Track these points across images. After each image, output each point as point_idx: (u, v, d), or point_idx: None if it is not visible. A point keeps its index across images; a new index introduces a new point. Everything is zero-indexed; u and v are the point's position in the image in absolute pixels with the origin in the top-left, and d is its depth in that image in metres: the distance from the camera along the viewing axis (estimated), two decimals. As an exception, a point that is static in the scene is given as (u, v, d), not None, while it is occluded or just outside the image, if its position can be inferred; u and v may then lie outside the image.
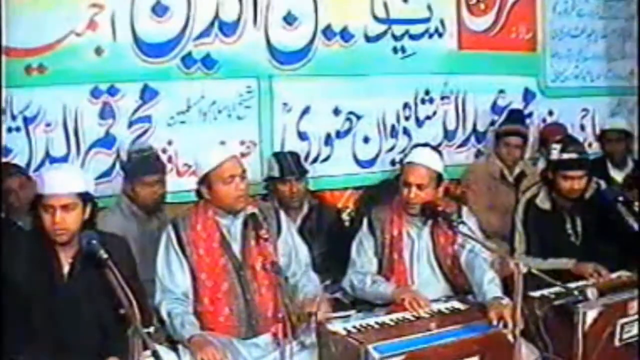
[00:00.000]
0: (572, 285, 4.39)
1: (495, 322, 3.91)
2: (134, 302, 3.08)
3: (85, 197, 3.60)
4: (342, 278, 4.66)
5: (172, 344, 3.99)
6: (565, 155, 4.82)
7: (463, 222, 4.26)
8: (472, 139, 6.33)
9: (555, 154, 4.87)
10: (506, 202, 5.68)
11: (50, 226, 3.52)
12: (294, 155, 5.24)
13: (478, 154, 6.33)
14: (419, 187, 4.33)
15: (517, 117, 6.11)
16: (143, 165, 4.66)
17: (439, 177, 4.43)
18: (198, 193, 4.15)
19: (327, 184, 5.69)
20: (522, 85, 6.49)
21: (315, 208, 5.20)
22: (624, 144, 6.09)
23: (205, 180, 4.06)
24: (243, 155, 5.26)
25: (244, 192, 4.04)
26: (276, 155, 5.25)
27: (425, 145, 4.90)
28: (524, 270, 3.61)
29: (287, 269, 4.21)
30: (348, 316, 4.43)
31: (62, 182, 3.55)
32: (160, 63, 5.09)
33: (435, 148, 4.95)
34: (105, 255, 3.32)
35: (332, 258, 5.07)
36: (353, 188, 5.84)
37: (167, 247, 4.11)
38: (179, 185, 5.10)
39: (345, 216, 5.69)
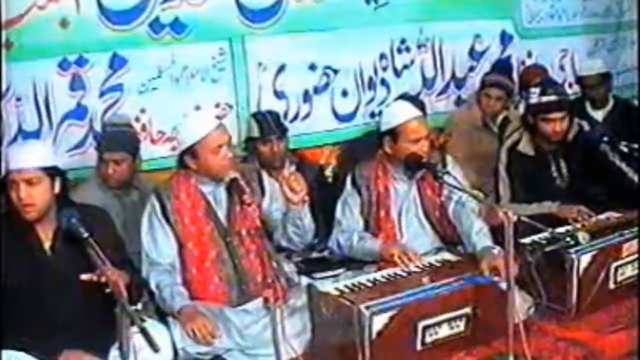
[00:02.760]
0: (562, 229, 4.39)
1: (487, 273, 3.94)
2: (120, 280, 3.01)
3: (51, 171, 3.53)
4: (327, 237, 4.66)
5: (162, 316, 3.97)
6: (545, 98, 4.81)
7: (448, 173, 4.22)
8: (452, 86, 6.27)
9: (534, 98, 4.86)
10: (489, 150, 5.62)
11: (16, 202, 3.45)
12: (274, 114, 5.16)
13: (458, 101, 6.29)
14: (419, 140, 4.29)
15: (502, 67, 6.05)
16: (110, 141, 4.58)
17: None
18: (180, 162, 4.07)
19: (308, 142, 5.62)
20: (498, 28, 6.42)
21: (297, 167, 5.12)
22: (604, 87, 6.03)
23: (190, 150, 3.99)
24: (218, 117, 5.10)
25: (230, 160, 4.01)
26: (255, 115, 5.17)
27: (418, 97, 4.75)
28: (514, 218, 3.57)
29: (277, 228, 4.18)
30: (337, 275, 4.46)
31: (24, 157, 3.47)
32: (128, 30, 4.97)
33: (415, 98, 4.89)
34: (85, 234, 3.27)
35: (316, 217, 4.89)
36: (334, 144, 5.79)
37: (151, 217, 4.07)
38: (154, 152, 5.06)
39: (328, 173, 5.65)
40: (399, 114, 4.35)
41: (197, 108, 5.17)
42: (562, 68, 6.74)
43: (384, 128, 4.41)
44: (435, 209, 4.45)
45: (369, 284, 3.97)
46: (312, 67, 5.65)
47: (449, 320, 3.80)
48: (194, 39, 5.17)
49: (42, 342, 3.46)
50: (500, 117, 5.83)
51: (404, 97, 5.43)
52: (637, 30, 6.40)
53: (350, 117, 5.85)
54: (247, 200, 3.85)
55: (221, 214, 4.09)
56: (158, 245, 4.03)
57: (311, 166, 5.34)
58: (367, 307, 3.61)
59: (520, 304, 3.93)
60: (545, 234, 4.34)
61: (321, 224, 4.88)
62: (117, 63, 4.97)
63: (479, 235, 4.18)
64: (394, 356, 3.66)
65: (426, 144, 4.27)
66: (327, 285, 4.06)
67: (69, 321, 3.51)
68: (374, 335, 3.58)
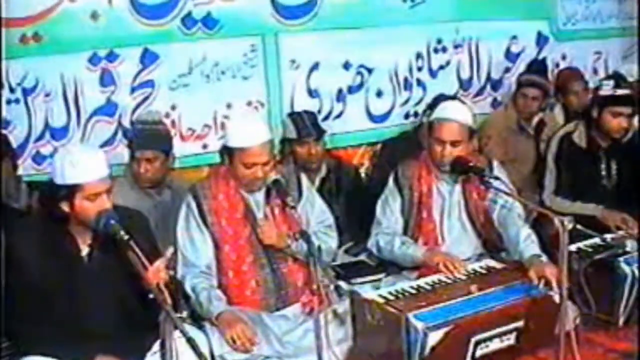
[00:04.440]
0: (609, 236, 4.25)
1: (536, 282, 3.77)
2: (163, 286, 2.84)
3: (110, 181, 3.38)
4: (364, 239, 4.51)
5: (196, 321, 3.80)
6: (619, 91, 4.67)
7: (498, 178, 4.06)
8: (488, 87, 6.10)
9: (607, 90, 4.71)
10: (525, 153, 5.52)
11: (94, 215, 3.24)
12: (311, 115, 4.99)
13: (494, 102, 6.12)
14: (453, 144, 4.12)
15: (538, 67, 5.84)
16: (143, 139, 4.42)
17: (471, 132, 4.22)
18: (221, 155, 3.93)
19: (341, 142, 5.46)
20: (534, 29, 6.23)
21: (334, 168, 4.99)
22: None
23: (227, 150, 3.83)
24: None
25: (262, 178, 3.82)
26: (292, 115, 5.01)
27: (454, 98, 4.69)
28: (569, 226, 3.40)
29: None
30: (377, 280, 4.33)
31: (95, 169, 3.27)
32: (160, 25, 4.83)
33: (462, 101, 4.75)
34: (126, 237, 3.09)
35: (352, 219, 4.90)
36: (367, 144, 5.64)
37: (188, 217, 3.91)
38: (183, 150, 4.90)
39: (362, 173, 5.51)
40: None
41: (229, 106, 5.08)
42: (595, 71, 6.55)
43: None
44: (479, 213, 4.28)
45: (413, 291, 3.80)
46: (346, 65, 5.49)
47: (500, 335, 3.63)
48: (225, 35, 5.03)
49: (75, 348, 3.28)
50: (536, 119, 5.66)
51: (440, 98, 5.24)
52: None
53: (384, 117, 5.69)
54: (291, 203, 3.68)
55: (260, 217, 3.91)
56: (195, 246, 3.87)
57: (348, 167, 5.20)
58: (420, 319, 3.46)
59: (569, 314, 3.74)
60: (591, 241, 4.22)
61: (356, 227, 4.80)
62: (148, 58, 4.85)
63: (527, 243, 4.00)
64: (443, 369, 3.49)
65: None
66: (369, 291, 3.92)
67: (103, 328, 3.34)
68: (427, 351, 3.42)
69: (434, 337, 3.42)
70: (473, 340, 3.53)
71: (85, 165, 3.22)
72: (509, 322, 3.62)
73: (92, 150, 3.36)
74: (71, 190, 3.22)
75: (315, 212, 4.08)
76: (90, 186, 3.22)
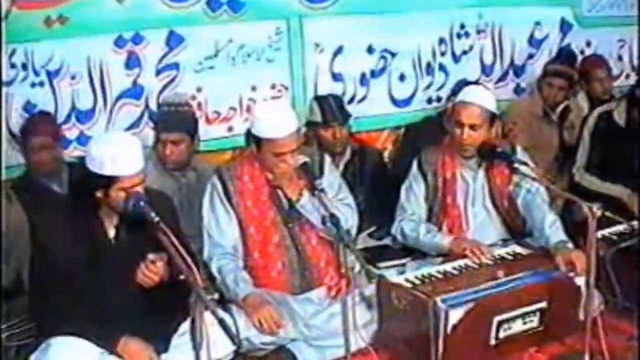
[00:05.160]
0: (636, 223, 4.16)
1: (563, 268, 3.75)
2: (194, 267, 2.82)
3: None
4: (387, 223, 4.49)
5: (221, 303, 3.79)
6: None
7: (526, 163, 4.03)
8: (510, 73, 6.03)
9: None
10: (549, 140, 5.47)
11: (123, 204, 3.26)
12: (337, 98, 4.97)
13: (517, 89, 6.06)
14: (472, 127, 4.08)
15: (565, 56, 5.78)
16: (168, 121, 4.41)
17: (493, 117, 4.17)
18: (247, 142, 3.90)
19: (364, 125, 5.41)
20: (558, 15, 6.14)
21: (358, 152, 4.96)
22: None
23: (255, 138, 3.80)
24: (274, 98, 5.06)
25: (289, 167, 3.80)
26: (318, 99, 4.98)
27: (477, 83, 4.64)
28: (598, 213, 3.36)
29: None
30: (402, 265, 4.29)
31: (134, 162, 3.29)
32: (185, 8, 4.79)
33: (484, 86, 4.71)
34: (157, 218, 3.09)
35: (376, 203, 4.87)
36: (390, 128, 5.60)
37: (213, 198, 3.90)
38: (209, 133, 4.88)
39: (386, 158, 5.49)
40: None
41: (253, 88, 5.05)
42: (620, 58, 6.46)
43: None
44: (503, 199, 4.24)
45: (440, 276, 3.79)
46: (370, 49, 5.44)
47: (523, 315, 3.61)
48: (250, 18, 4.98)
49: (102, 328, 3.30)
50: (560, 107, 5.58)
51: (463, 84, 5.20)
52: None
53: (407, 102, 5.64)
54: (319, 186, 3.66)
55: (284, 199, 3.90)
56: (220, 227, 3.87)
57: (372, 151, 5.17)
58: (444, 301, 3.44)
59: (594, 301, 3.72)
60: (616, 227, 4.18)
61: (380, 211, 4.74)
62: (173, 41, 4.80)
63: (553, 229, 3.98)
64: (467, 350, 3.48)
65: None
66: (396, 276, 3.91)
67: (130, 309, 3.35)
68: (449, 329, 3.40)
69: (456, 315, 3.41)
70: (495, 320, 3.52)
71: (125, 159, 3.24)
72: (530, 303, 3.60)
73: (131, 143, 3.34)
74: (108, 181, 3.24)
75: (335, 190, 4.05)
76: (128, 179, 3.25)
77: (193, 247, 3.73)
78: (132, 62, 4.72)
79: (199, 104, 4.91)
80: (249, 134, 3.86)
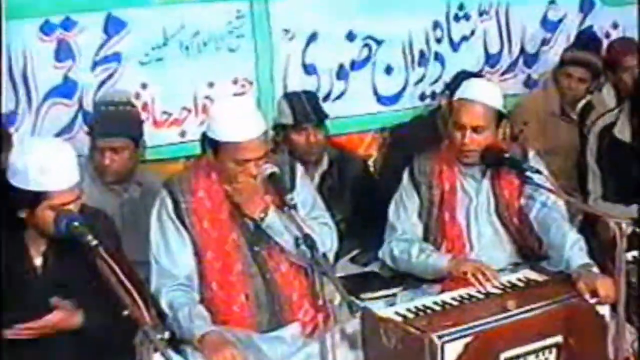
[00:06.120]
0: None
1: (587, 297, 3.76)
2: (140, 300, 2.83)
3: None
4: (374, 246, 4.53)
5: (173, 344, 3.77)
6: None
7: (538, 170, 4.06)
8: (520, 63, 6.09)
9: None
10: (567, 143, 5.50)
11: (52, 226, 3.26)
12: (311, 95, 5.00)
13: (528, 81, 6.12)
14: (475, 129, 4.11)
15: (587, 41, 5.82)
16: (107, 124, 4.41)
17: (499, 116, 4.21)
18: (203, 148, 3.91)
19: (343, 127, 5.45)
20: (576, -9, 6.25)
21: (337, 160, 4.99)
22: None
23: (212, 142, 3.79)
24: (237, 95, 5.06)
25: (253, 179, 3.77)
26: (288, 96, 5.00)
27: (479, 76, 4.67)
28: (628, 230, 3.39)
29: None
30: (392, 295, 4.32)
31: (66, 175, 3.29)
32: (127, -14, 4.83)
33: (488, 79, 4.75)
34: (94, 242, 3.08)
35: (359, 221, 4.91)
36: (375, 131, 5.64)
37: (161, 217, 3.87)
38: (157, 137, 4.91)
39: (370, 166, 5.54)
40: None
41: (211, 84, 5.08)
42: (650, 43, 6.54)
43: None
44: (513, 215, 4.27)
45: (437, 308, 3.79)
46: (350, 36, 5.49)
47: (535, 352, 3.63)
48: (206, -1, 5.01)
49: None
50: (581, 103, 5.65)
51: (462, 75, 5.23)
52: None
53: (394, 98, 5.69)
54: (290, 202, 3.65)
55: (248, 217, 3.89)
56: (171, 252, 3.84)
57: (354, 160, 5.21)
58: (441, 337, 3.45)
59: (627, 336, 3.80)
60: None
61: (365, 231, 4.80)
62: (113, 27, 4.83)
63: (574, 250, 3.99)
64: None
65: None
66: (384, 308, 3.93)
67: (60, 355, 3.36)
68: (445, 368, 3.41)
69: (453, 351, 3.42)
70: (502, 357, 3.54)
71: (55, 171, 3.23)
72: (545, 336, 3.62)
73: (63, 151, 3.33)
74: (35, 198, 3.23)
75: (308, 207, 4.04)
76: (59, 195, 3.24)
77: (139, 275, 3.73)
78: (62, 52, 4.72)
79: (145, 104, 4.94)
80: (204, 139, 3.85)
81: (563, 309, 3.72)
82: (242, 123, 3.73)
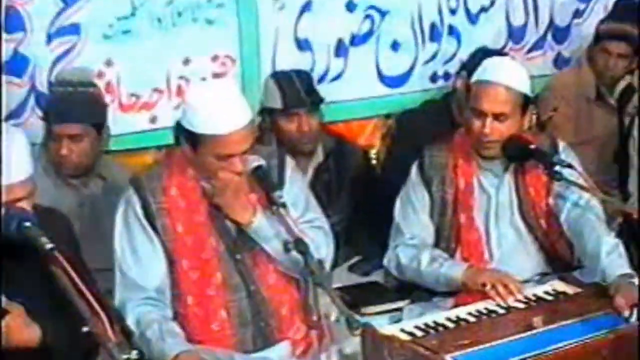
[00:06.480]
0: None
1: (626, 313, 3.73)
2: (103, 314, 2.82)
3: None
4: (376, 252, 4.58)
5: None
6: None
7: (569, 165, 4.07)
8: (549, 38, 6.12)
9: None
10: (605, 132, 5.54)
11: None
12: (304, 76, 5.02)
13: (559, 60, 6.15)
14: (497, 117, 4.11)
15: (626, 11, 5.77)
16: (64, 107, 4.41)
17: (525, 101, 4.21)
18: (177, 140, 3.87)
19: (341, 113, 5.48)
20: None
21: (334, 152, 5.02)
22: None
23: (189, 133, 3.76)
24: (217, 75, 5.09)
25: (238, 173, 3.75)
26: (277, 76, 5.01)
27: (502, 53, 4.65)
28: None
29: None
30: (398, 310, 4.35)
31: (16, 167, 3.24)
32: (86, -57, 4.82)
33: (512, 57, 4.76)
34: (49, 245, 3.05)
35: (359, 224, 4.96)
36: (379, 117, 5.67)
37: (128, 219, 3.86)
38: (123, 124, 4.92)
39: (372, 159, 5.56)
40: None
41: (187, 62, 5.08)
42: None
43: None
44: (540, 216, 4.30)
45: (451, 325, 3.79)
46: (350, 6, 5.51)
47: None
48: (181, -40, 5.02)
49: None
50: (621, 85, 5.66)
51: (481, 53, 5.24)
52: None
53: (401, 79, 5.73)
54: (279, 200, 3.63)
55: (229, 220, 3.88)
56: (139, 261, 3.83)
57: (353, 149, 5.24)
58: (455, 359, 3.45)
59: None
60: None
61: (366, 233, 4.87)
62: (71, -8, 4.80)
63: (612, 257, 3.97)
64: None
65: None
66: (389, 325, 3.94)
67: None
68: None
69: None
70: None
71: (5, 162, 3.18)
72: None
73: (13, 139, 3.30)
74: None
75: (300, 208, 4.03)
76: (8, 191, 3.20)
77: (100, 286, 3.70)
78: (11, 22, 4.71)
79: (109, 84, 4.93)
80: (179, 128, 3.82)
81: (607, 332, 3.69)
82: (225, 112, 3.70)
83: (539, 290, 4.09)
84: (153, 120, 5.05)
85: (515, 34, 6.01)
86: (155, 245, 3.84)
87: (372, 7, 5.56)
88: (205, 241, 3.86)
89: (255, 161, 3.76)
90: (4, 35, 4.69)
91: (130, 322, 3.77)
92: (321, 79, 5.44)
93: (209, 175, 3.79)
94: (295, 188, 4.05)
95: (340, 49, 5.53)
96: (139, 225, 3.84)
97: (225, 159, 3.70)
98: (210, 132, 3.67)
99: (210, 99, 3.73)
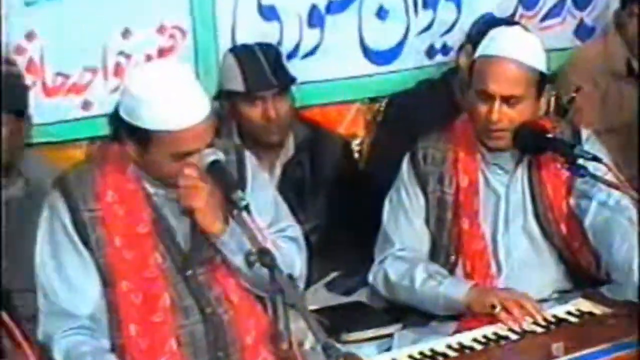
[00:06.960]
0: None
1: (664, 338, 3.76)
2: (25, 344, 2.83)
3: None
4: (360, 267, 4.61)
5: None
6: None
7: (595, 157, 4.05)
8: (568, 2, 6.14)
9: None
10: (637, 116, 5.53)
11: None
12: (271, 50, 5.04)
13: (580, 29, 6.19)
14: (507, 100, 4.12)
15: None
16: None
17: (541, 80, 4.23)
18: (116, 134, 3.84)
19: (316, 96, 5.51)
20: None
21: (307, 143, 5.03)
22: None
23: (133, 130, 3.73)
24: (163, 52, 5.11)
25: (194, 167, 3.71)
26: (236, 51, 5.03)
27: (513, 22, 4.66)
28: None
29: None
30: (388, 336, 4.35)
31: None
32: None
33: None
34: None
35: (339, 232, 4.97)
36: (362, 101, 5.72)
37: (54, 230, 3.85)
38: (49, 111, 4.95)
39: (355, 151, 5.61)
40: None
41: (126, 33, 5.06)
42: None
43: None
44: (560, 220, 4.32)
45: (452, 354, 3.81)
46: (326, -35, 5.51)
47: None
48: None
49: None
50: (655, 58, 5.69)
51: (487, 22, 5.29)
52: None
53: (390, 54, 5.75)
54: (241, 202, 3.61)
55: (179, 230, 3.90)
56: (69, 282, 3.81)
57: (331, 140, 5.26)
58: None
59: None
60: None
61: (346, 244, 4.88)
62: (-17, -50, 4.79)
63: (647, 269, 4.00)
64: None
65: None
66: (375, 354, 4.00)
67: None
68: None
69: None
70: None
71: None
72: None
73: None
74: None
75: (268, 216, 4.03)
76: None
77: (22, 311, 3.78)
78: None
79: (31, 61, 4.93)
80: (117, 119, 3.80)
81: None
82: (180, 103, 3.68)
83: (560, 311, 4.10)
84: (85, 106, 5.05)
85: (527, 0, 6.04)
86: (88, 263, 3.82)
87: (353, -35, 5.56)
88: (149, 256, 3.85)
89: (211, 155, 3.73)
90: None
91: (57, 355, 3.76)
92: (291, 55, 5.47)
93: (161, 179, 3.78)
94: (261, 190, 4.05)
95: (314, 18, 5.56)
96: (67, 238, 3.82)
97: (183, 158, 3.69)
98: (164, 128, 3.64)
99: (160, 87, 3.69)
